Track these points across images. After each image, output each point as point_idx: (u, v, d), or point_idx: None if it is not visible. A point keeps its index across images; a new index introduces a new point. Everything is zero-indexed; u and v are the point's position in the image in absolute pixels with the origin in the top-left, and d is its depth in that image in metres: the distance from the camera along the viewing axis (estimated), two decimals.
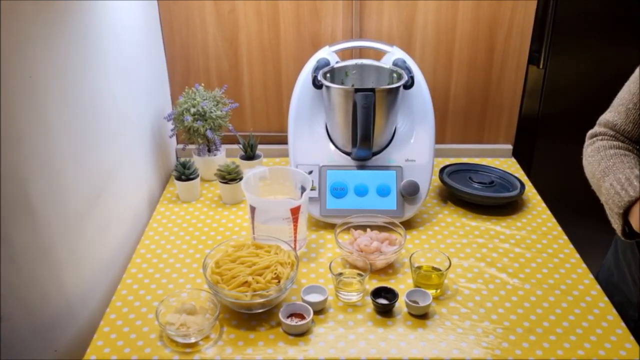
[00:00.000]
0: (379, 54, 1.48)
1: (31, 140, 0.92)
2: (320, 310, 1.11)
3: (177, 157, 1.72)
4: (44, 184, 0.96)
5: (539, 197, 1.52)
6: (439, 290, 1.15)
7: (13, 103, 0.87)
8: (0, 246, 0.87)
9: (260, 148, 1.62)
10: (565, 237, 1.35)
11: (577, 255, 1.28)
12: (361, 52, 1.59)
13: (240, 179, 1.45)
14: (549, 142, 1.84)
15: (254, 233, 1.26)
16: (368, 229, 1.30)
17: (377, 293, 1.12)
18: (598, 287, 1.18)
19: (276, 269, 1.10)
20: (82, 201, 1.10)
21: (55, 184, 1.00)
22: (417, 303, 1.10)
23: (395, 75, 1.42)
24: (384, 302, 1.11)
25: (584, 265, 1.25)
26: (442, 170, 1.56)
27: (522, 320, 1.09)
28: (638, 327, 1.09)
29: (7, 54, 0.85)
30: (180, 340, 1.02)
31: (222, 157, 1.58)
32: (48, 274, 1.00)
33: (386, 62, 1.45)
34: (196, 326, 1.03)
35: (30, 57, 0.91)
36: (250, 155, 1.57)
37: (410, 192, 1.35)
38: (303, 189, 1.28)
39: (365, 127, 1.29)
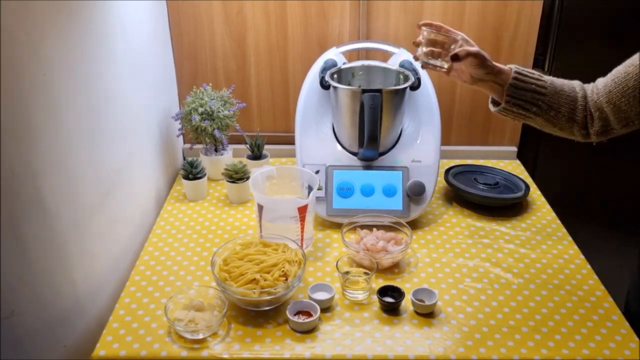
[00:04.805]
0: (385, 56, 1.50)
1: (44, 138, 0.93)
2: (327, 308, 1.12)
3: (184, 157, 1.74)
4: (56, 181, 0.98)
5: (543, 199, 1.53)
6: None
7: (27, 100, 0.88)
8: (13, 241, 0.88)
9: (267, 148, 1.63)
10: (570, 239, 1.36)
11: (582, 256, 1.29)
12: (368, 54, 1.60)
13: (247, 178, 1.46)
14: (554, 145, 1.84)
15: (261, 231, 1.27)
16: (374, 229, 1.31)
17: (384, 291, 1.13)
18: (602, 287, 1.18)
19: (284, 267, 1.11)
20: (92, 198, 1.11)
21: (67, 180, 1.01)
22: (423, 302, 1.11)
23: (401, 76, 1.43)
24: (390, 301, 1.12)
25: (589, 266, 1.25)
26: (447, 171, 1.57)
27: (527, 319, 1.10)
28: None
29: (24, 53, 0.86)
30: (188, 336, 1.03)
31: (229, 157, 1.59)
32: (59, 270, 1.01)
33: (393, 64, 1.46)
34: (204, 322, 1.04)
35: (45, 56, 0.93)
36: (257, 155, 1.59)
37: (416, 193, 1.36)
38: (310, 189, 1.29)
39: (372, 127, 1.30)
